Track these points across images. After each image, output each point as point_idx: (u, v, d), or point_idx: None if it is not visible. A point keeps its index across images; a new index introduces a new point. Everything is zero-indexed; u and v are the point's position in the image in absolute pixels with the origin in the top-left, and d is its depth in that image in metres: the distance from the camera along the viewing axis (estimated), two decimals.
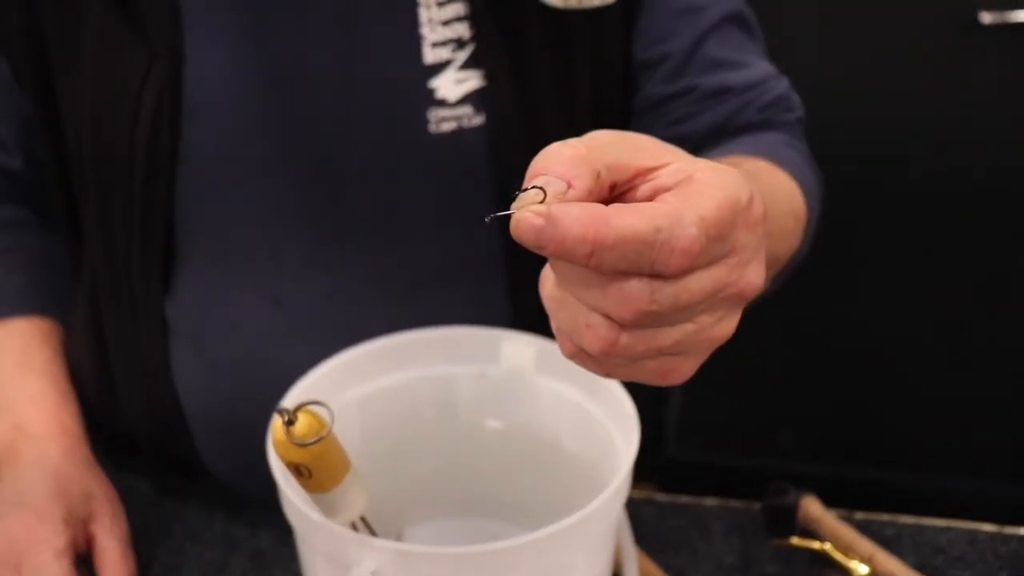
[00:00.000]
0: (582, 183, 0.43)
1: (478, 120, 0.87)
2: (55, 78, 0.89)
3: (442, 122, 0.86)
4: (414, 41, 0.85)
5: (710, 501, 0.96)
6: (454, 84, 0.86)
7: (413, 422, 0.82)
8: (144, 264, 0.90)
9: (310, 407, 0.57)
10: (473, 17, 0.85)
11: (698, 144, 0.92)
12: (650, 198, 0.45)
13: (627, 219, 0.42)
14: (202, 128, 0.86)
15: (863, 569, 0.76)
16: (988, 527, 0.92)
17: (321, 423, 0.57)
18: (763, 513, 0.91)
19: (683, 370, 0.48)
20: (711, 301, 0.45)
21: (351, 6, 0.84)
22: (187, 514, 0.97)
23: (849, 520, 0.92)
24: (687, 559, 0.90)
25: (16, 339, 0.95)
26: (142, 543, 0.94)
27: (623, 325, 0.45)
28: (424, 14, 0.85)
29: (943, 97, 1.79)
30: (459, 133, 0.87)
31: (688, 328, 0.46)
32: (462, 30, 0.85)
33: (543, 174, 0.43)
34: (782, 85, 0.96)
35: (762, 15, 1.03)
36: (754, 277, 0.46)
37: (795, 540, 0.83)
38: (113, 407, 1.02)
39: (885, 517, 0.93)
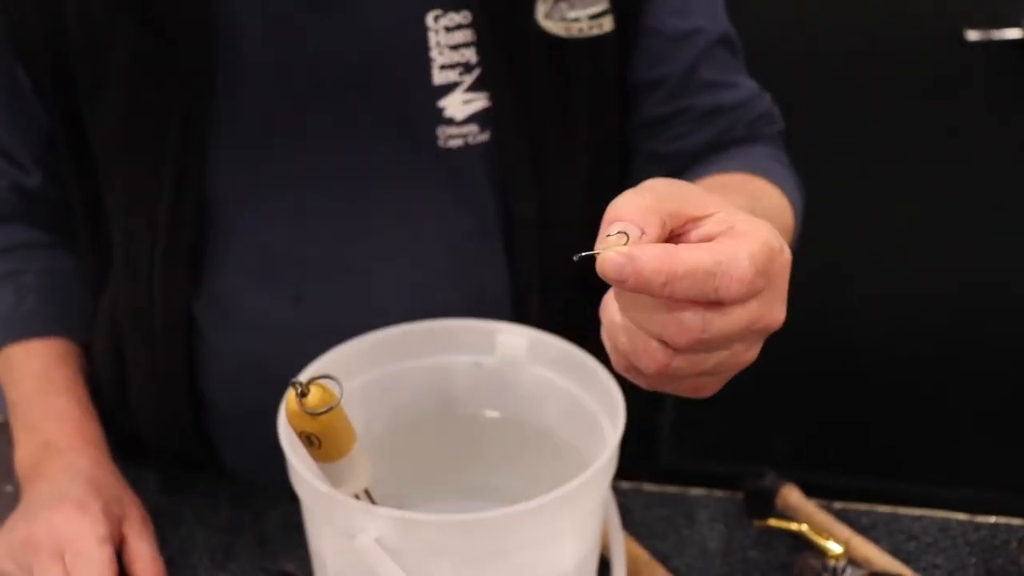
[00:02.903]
0: (653, 230, 0.52)
1: (483, 137, 0.92)
2: (80, 96, 0.92)
3: (450, 139, 0.91)
4: (424, 64, 0.90)
5: (695, 491, 1.01)
6: (461, 104, 0.91)
7: (412, 409, 0.86)
8: (170, 266, 0.93)
9: (321, 381, 0.62)
10: (479, 43, 0.90)
11: (693, 158, 0.99)
12: (701, 242, 0.53)
13: (694, 254, 0.50)
14: (229, 145, 0.90)
15: (837, 548, 0.80)
16: (960, 516, 0.96)
17: (331, 395, 0.62)
18: (743, 495, 0.95)
19: (712, 387, 0.58)
20: (745, 332, 0.53)
21: (365, 30, 0.89)
22: (195, 501, 1.01)
23: (828, 509, 0.96)
24: (673, 544, 0.95)
25: (36, 361, 0.99)
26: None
27: (677, 350, 0.53)
28: (433, 39, 0.89)
29: (930, 113, 1.83)
30: (466, 149, 0.92)
31: (724, 354, 0.54)
32: (469, 55, 0.90)
33: (620, 219, 0.52)
34: (765, 102, 1.02)
35: (751, 34, 1.07)
36: (779, 313, 0.55)
37: (773, 521, 0.87)
38: (126, 407, 1.06)
39: (862, 507, 0.98)
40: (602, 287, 1.14)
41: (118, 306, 1.00)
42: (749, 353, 0.56)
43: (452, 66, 0.90)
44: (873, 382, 2.05)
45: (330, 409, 0.61)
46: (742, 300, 0.52)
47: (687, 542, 0.95)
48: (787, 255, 0.55)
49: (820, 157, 1.77)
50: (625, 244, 0.50)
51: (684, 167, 0.99)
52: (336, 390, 0.62)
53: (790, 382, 2.05)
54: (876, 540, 0.93)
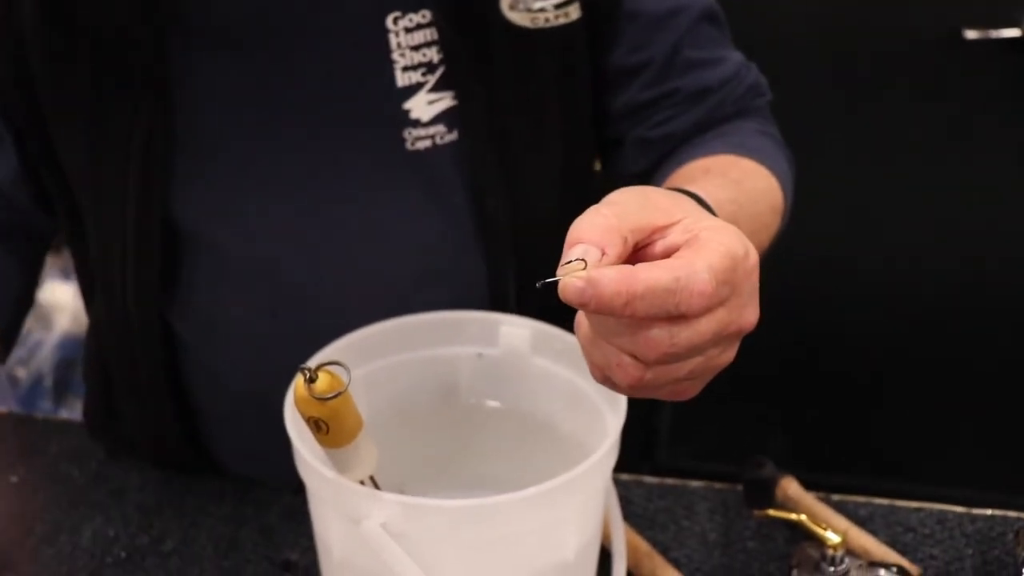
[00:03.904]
0: (613, 250, 0.53)
1: (451, 137, 0.91)
2: (48, 122, 0.92)
3: (417, 140, 0.91)
4: (386, 66, 0.89)
5: (695, 483, 1.02)
6: (426, 105, 0.90)
7: (415, 399, 0.87)
8: (141, 282, 0.93)
9: (329, 367, 0.63)
10: (442, 42, 0.89)
11: (682, 139, 0.98)
12: (665, 254, 0.55)
13: (652, 273, 0.51)
14: (192, 162, 0.90)
15: (835, 538, 0.81)
16: (957, 508, 0.97)
17: (339, 381, 0.63)
18: (743, 485, 0.96)
19: (692, 390, 0.59)
20: (716, 339, 0.54)
21: (325, 38, 0.89)
22: (198, 492, 1.02)
23: (826, 501, 0.97)
24: (672, 535, 0.96)
25: None
26: (156, 518, 0.99)
27: (648, 364, 0.54)
28: (393, 40, 0.89)
29: (928, 112, 1.84)
30: (434, 149, 0.91)
31: (698, 360, 0.56)
32: (432, 54, 0.89)
33: (580, 241, 0.53)
34: (752, 74, 1.01)
35: (749, 32, 1.08)
36: (750, 316, 0.56)
37: (772, 512, 0.88)
38: (115, 414, 1.06)
39: (860, 499, 0.99)
40: None
41: (100, 316, 1.01)
42: (724, 356, 0.57)
43: (415, 67, 0.89)
44: (870, 382, 2.06)
45: (338, 394, 0.62)
46: (707, 311, 0.53)
47: (687, 533, 0.96)
48: (752, 259, 0.56)
49: (818, 155, 1.78)
50: (584, 269, 0.51)
51: (672, 150, 0.98)
52: (344, 376, 0.63)
53: (786, 383, 2.06)
54: (874, 532, 0.94)
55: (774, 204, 0.91)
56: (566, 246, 0.53)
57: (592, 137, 1.01)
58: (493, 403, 0.88)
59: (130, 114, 0.88)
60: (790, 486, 0.96)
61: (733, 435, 2.06)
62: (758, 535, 0.95)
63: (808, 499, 0.95)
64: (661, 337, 0.53)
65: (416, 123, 0.90)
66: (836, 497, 0.98)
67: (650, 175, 0.99)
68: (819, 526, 0.82)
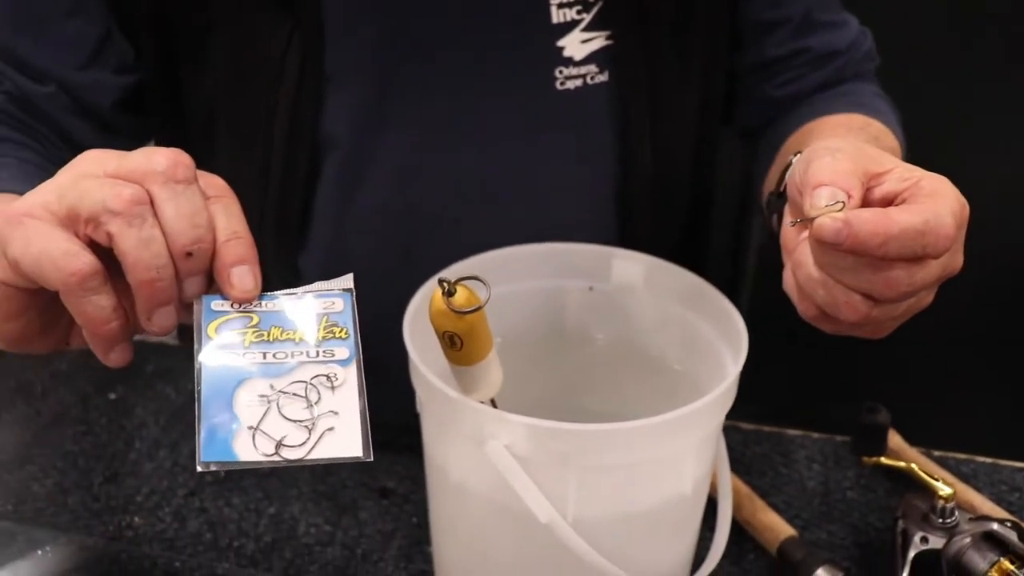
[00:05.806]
0: (857, 193, 0.57)
1: (602, 78, 0.91)
2: (179, 45, 0.89)
3: (568, 79, 0.90)
4: (542, 2, 0.88)
5: (792, 431, 1.01)
6: (580, 43, 0.89)
7: (523, 331, 0.86)
8: (282, 214, 0.92)
9: (466, 282, 0.62)
10: None
11: (804, 98, 0.98)
12: (884, 200, 0.59)
13: (904, 216, 0.55)
14: (342, 93, 0.88)
15: (946, 489, 0.79)
16: None
17: (476, 296, 0.62)
18: (854, 431, 0.95)
19: (889, 329, 0.64)
20: (938, 280, 0.59)
21: None
22: None
23: (927, 456, 0.96)
24: (771, 481, 0.95)
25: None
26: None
27: (879, 301, 0.58)
28: None
29: (939, 100, 1.79)
30: (583, 89, 0.90)
31: (912, 301, 0.60)
32: None
33: (823, 184, 0.57)
34: (868, 39, 1.02)
35: None
36: (959, 262, 0.60)
37: (884, 460, 0.87)
38: None
39: (962, 455, 0.97)
40: (705, 237, 1.11)
41: None
42: (929, 297, 0.62)
43: (570, 4, 0.88)
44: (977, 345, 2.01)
45: (477, 308, 0.62)
46: (945, 253, 0.57)
47: (785, 480, 0.95)
48: (967, 210, 0.59)
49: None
50: (841, 210, 0.55)
51: (792, 108, 0.98)
52: (482, 292, 0.62)
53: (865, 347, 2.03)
54: (977, 489, 0.92)
55: None
56: (807, 187, 0.57)
57: (723, 92, 1.00)
58: (602, 337, 0.87)
59: (286, 35, 0.85)
60: (893, 438, 0.95)
61: (800, 399, 2.04)
62: (857, 486, 0.94)
63: (911, 452, 0.94)
64: (901, 277, 0.56)
65: (569, 61, 0.90)
66: (937, 453, 0.97)
67: (762, 132, 0.98)
68: (932, 476, 0.81)
